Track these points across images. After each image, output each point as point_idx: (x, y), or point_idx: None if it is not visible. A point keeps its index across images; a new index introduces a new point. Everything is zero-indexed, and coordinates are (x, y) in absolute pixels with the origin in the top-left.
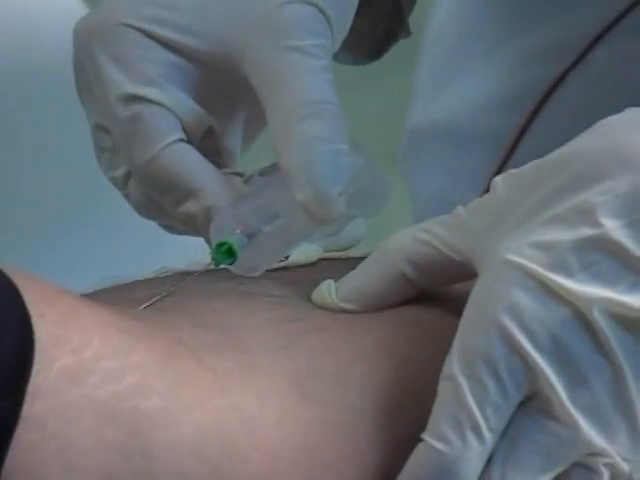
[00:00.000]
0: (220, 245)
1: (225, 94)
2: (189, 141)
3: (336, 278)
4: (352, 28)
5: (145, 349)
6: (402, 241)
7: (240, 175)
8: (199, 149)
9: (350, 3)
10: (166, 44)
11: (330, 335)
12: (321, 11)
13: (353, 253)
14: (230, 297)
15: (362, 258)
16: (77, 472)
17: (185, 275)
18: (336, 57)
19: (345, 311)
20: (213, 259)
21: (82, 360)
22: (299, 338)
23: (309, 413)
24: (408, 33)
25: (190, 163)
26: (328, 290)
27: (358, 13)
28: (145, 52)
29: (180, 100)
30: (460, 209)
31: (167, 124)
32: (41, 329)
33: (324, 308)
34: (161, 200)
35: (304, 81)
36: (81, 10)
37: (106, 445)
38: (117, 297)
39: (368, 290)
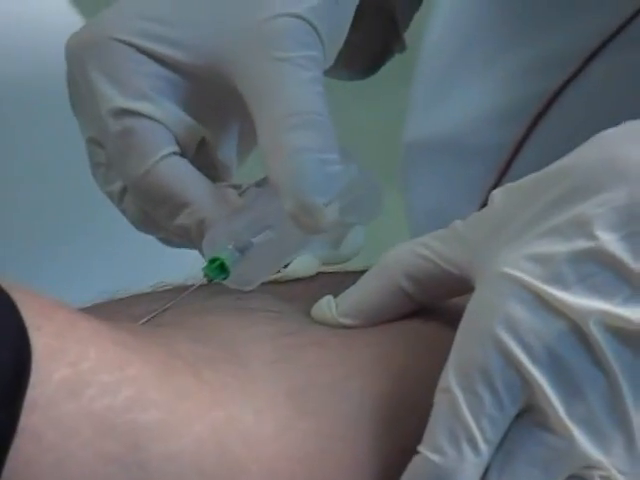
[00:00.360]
0: (212, 261)
1: (218, 107)
2: (183, 154)
3: (334, 292)
4: (346, 42)
5: (142, 362)
6: (400, 255)
7: (236, 187)
8: (194, 162)
9: (344, 17)
10: (157, 58)
11: (327, 349)
12: (311, 25)
13: (351, 267)
14: (228, 312)
15: (360, 272)
16: None
17: (182, 290)
18: (331, 73)
19: (344, 326)
20: (206, 275)
21: (79, 372)
22: (296, 352)
23: (306, 425)
24: (403, 48)
25: (183, 176)
26: (328, 305)
27: (352, 26)
28: (136, 66)
29: (172, 113)
30: (458, 223)
31: (159, 138)
32: (38, 342)
33: (324, 323)
34: (155, 214)
35: (292, 91)
36: (78, 22)
37: (105, 458)
38: (114, 312)
39: (367, 305)
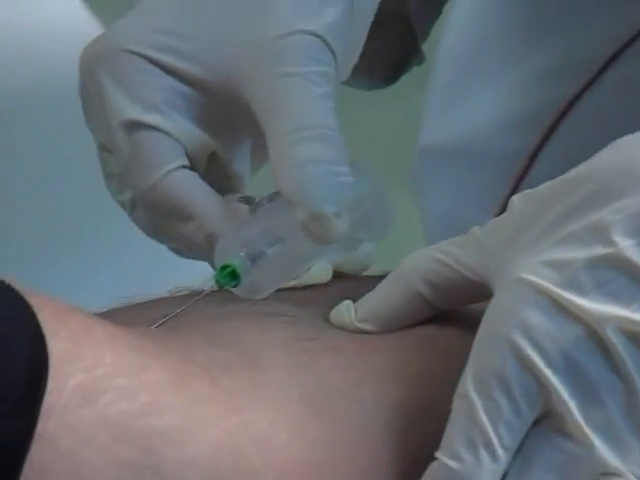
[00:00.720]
0: (224, 268)
1: (229, 120)
2: (194, 167)
3: (350, 298)
4: (365, 51)
5: (158, 367)
6: (418, 261)
7: (249, 199)
8: (206, 175)
9: (359, 34)
10: (170, 71)
11: (342, 355)
12: (325, 42)
13: (366, 272)
14: (244, 317)
15: (375, 277)
16: None
17: (199, 294)
18: (349, 82)
19: (363, 331)
20: (217, 281)
21: (95, 378)
22: (311, 357)
23: (318, 430)
24: (422, 59)
25: (191, 189)
26: (347, 310)
27: (370, 36)
28: (149, 78)
29: (183, 126)
30: (476, 229)
31: (169, 150)
32: (55, 347)
33: (342, 328)
34: (164, 226)
35: (302, 106)
36: (94, 26)
37: (119, 463)
38: (130, 317)
39: (385, 311)
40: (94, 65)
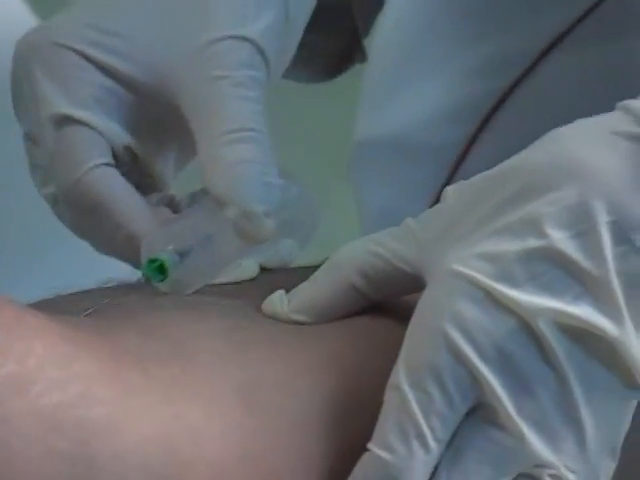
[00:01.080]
0: (152, 261)
1: (157, 122)
2: (118, 166)
3: (282, 288)
4: (304, 43)
5: (90, 358)
6: (353, 252)
7: (172, 198)
8: (130, 174)
9: (294, 33)
10: (103, 68)
11: (278, 346)
12: (257, 47)
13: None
14: (175, 307)
15: (305, 267)
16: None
17: (130, 286)
18: (289, 75)
19: (296, 322)
20: (143, 275)
21: (26, 368)
22: (246, 348)
23: (253, 422)
24: (364, 58)
25: (113, 187)
26: (280, 301)
27: (310, 27)
28: (81, 74)
29: (109, 125)
30: (410, 220)
31: (94, 147)
32: None
33: (275, 318)
34: (85, 222)
35: (233, 108)
36: (30, 21)
37: (51, 454)
38: (61, 307)
39: (319, 302)
40: (28, 56)
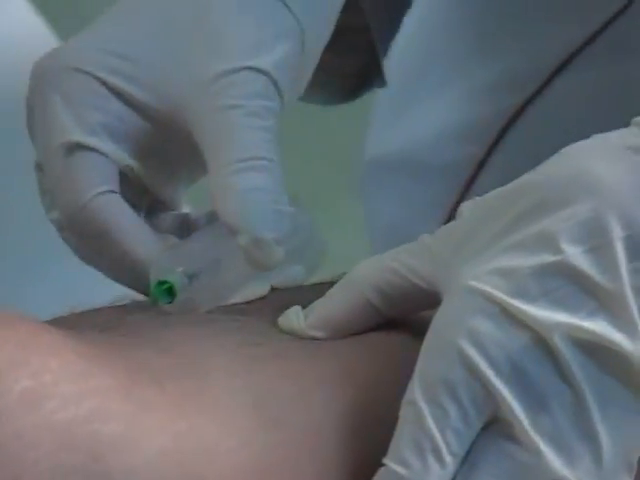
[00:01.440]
0: (161, 283)
1: (170, 150)
2: (132, 189)
3: (295, 305)
4: (321, 64)
5: (104, 374)
6: (369, 268)
7: (185, 217)
8: (143, 195)
9: (309, 63)
10: (118, 94)
11: (291, 361)
12: (271, 79)
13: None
14: (190, 324)
15: (316, 285)
16: None
17: (142, 303)
18: (306, 97)
19: (312, 338)
20: (152, 296)
21: (41, 384)
22: (260, 363)
23: (268, 437)
24: (383, 83)
25: (118, 215)
26: (296, 316)
27: (328, 49)
28: (96, 100)
29: (120, 151)
30: (426, 236)
31: (100, 173)
32: (1, 352)
33: (291, 334)
34: (91, 249)
35: (245, 137)
36: (51, 42)
37: (64, 470)
38: (74, 324)
39: (335, 318)
40: (45, 80)
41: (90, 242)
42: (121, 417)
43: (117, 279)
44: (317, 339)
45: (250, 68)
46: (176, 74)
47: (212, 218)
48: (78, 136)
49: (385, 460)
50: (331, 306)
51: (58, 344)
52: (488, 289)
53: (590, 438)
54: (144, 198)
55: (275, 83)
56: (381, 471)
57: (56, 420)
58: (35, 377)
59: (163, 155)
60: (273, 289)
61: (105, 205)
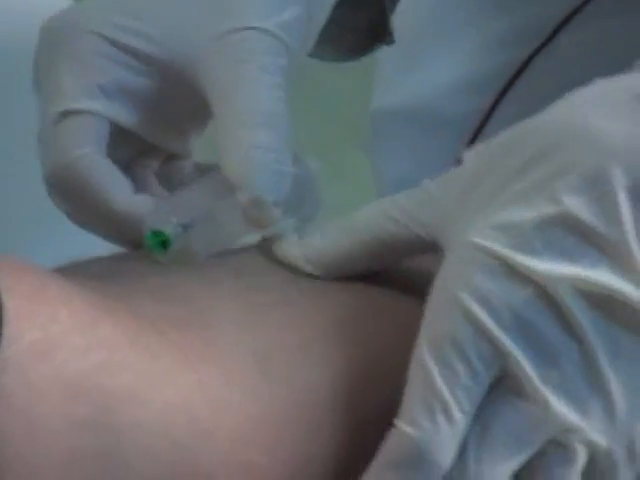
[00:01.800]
0: (155, 233)
1: (176, 105)
2: (135, 147)
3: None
4: (332, 19)
5: (112, 324)
6: (369, 214)
7: (198, 165)
8: (151, 151)
9: (314, 28)
10: (129, 51)
11: (295, 308)
12: (280, 40)
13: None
14: (190, 270)
15: None
16: (42, 448)
17: (138, 253)
18: (315, 53)
19: (304, 271)
20: (146, 246)
21: (50, 335)
22: (261, 311)
23: (269, 390)
24: (392, 40)
25: (103, 175)
26: (293, 246)
27: (339, 3)
28: (102, 61)
29: (118, 110)
30: (429, 183)
31: (86, 135)
32: (10, 302)
33: (285, 261)
34: (74, 210)
35: (255, 92)
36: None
37: (72, 422)
38: (73, 273)
39: (330, 257)
40: (50, 43)
41: (75, 203)
42: (130, 368)
43: (107, 237)
44: (307, 273)
45: (260, 29)
46: (187, 31)
47: (201, 169)
48: (73, 102)
49: (396, 421)
50: (328, 244)
51: (66, 294)
52: (491, 245)
53: (601, 389)
54: (153, 153)
55: (285, 44)
56: (392, 432)
57: (65, 371)
58: (44, 328)
59: (171, 110)
60: (263, 239)
61: (90, 164)
